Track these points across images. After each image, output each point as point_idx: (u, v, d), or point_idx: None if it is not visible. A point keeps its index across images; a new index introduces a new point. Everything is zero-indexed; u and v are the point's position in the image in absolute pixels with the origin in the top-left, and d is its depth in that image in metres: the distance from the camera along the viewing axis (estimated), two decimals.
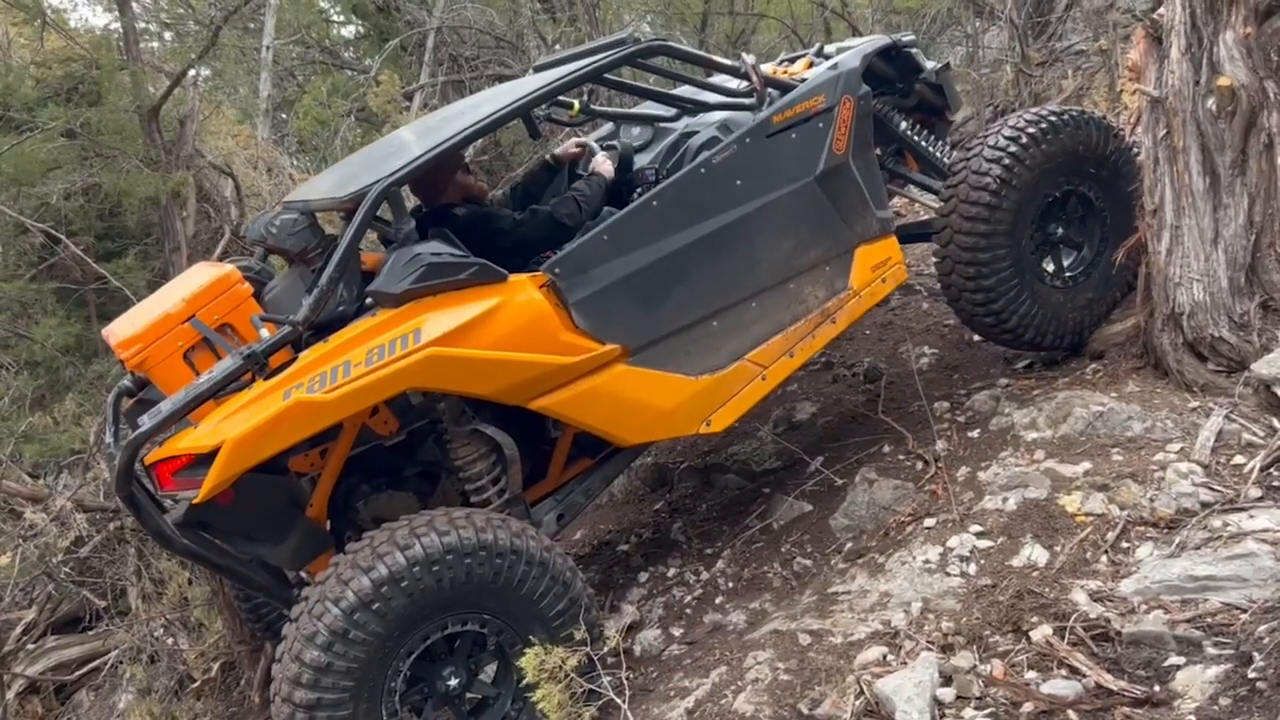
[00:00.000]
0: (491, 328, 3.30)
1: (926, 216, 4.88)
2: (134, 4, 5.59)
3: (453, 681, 3.13)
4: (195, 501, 3.00)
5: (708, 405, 3.79)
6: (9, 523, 4.95)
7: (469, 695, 3.20)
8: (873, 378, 5.17)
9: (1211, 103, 3.82)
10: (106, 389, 5.88)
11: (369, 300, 3.41)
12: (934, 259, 4.40)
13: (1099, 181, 4.34)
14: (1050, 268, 4.38)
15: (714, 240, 3.80)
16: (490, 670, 3.27)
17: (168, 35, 11.11)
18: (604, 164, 4.19)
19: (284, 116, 11.06)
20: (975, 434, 4.17)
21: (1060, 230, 4.37)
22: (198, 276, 3.43)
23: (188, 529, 3.26)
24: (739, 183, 3.87)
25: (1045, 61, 8.54)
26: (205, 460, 2.97)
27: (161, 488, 3.12)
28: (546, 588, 3.15)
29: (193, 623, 4.97)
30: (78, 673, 5.19)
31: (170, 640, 4.90)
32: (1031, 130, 4.14)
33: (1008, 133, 4.15)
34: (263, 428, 2.99)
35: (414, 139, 3.76)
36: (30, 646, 5.28)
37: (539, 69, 4.56)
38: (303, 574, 3.77)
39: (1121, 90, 6.33)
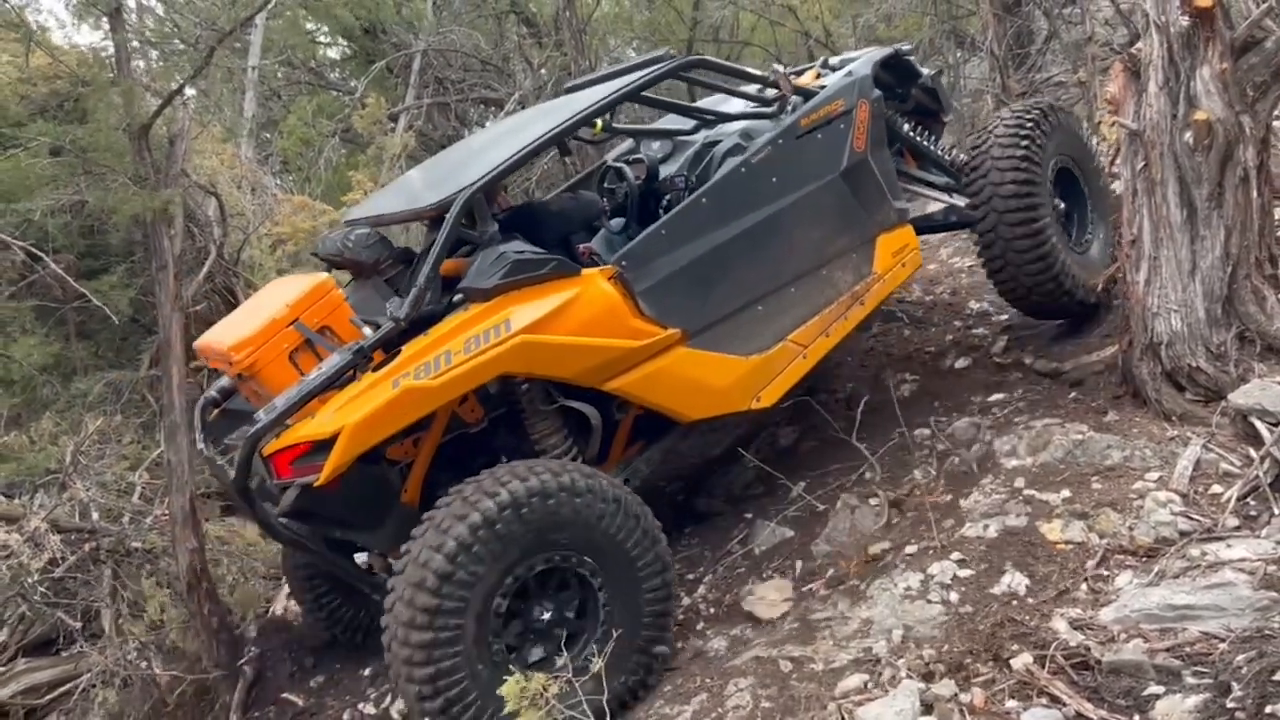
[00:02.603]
0: (571, 316, 3.60)
1: (930, 210, 5.24)
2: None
3: (546, 616, 3.35)
4: (318, 483, 3.23)
5: (758, 383, 4.09)
6: None
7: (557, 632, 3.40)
8: (855, 404, 5.18)
9: (1189, 136, 3.88)
10: (86, 409, 5.83)
11: (456, 299, 3.70)
12: (980, 247, 4.91)
13: (1077, 162, 5.01)
14: (1072, 234, 5.01)
15: (755, 232, 4.13)
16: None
17: (154, 54, 11.09)
18: None
19: (268, 136, 11.04)
20: (956, 461, 4.19)
21: (1062, 203, 4.96)
22: (294, 285, 3.70)
23: (292, 519, 3.58)
24: (774, 180, 4.24)
25: (1025, 92, 8.66)
26: (323, 447, 3.22)
27: (278, 476, 3.34)
28: (623, 523, 3.38)
29: (168, 646, 4.90)
30: (48, 696, 5.09)
31: (144, 664, 4.82)
32: (1031, 115, 4.83)
33: (1010, 121, 4.80)
34: (378, 413, 3.25)
35: (476, 154, 4.13)
36: (0, 669, 5.19)
37: (569, 90, 4.95)
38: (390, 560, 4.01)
39: (1100, 122, 6.43)
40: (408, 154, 8.54)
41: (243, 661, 4.77)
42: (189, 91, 7.93)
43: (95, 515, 5.12)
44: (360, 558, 3.99)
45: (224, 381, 3.85)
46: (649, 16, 12.04)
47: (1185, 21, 3.86)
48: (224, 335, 3.65)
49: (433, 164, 4.73)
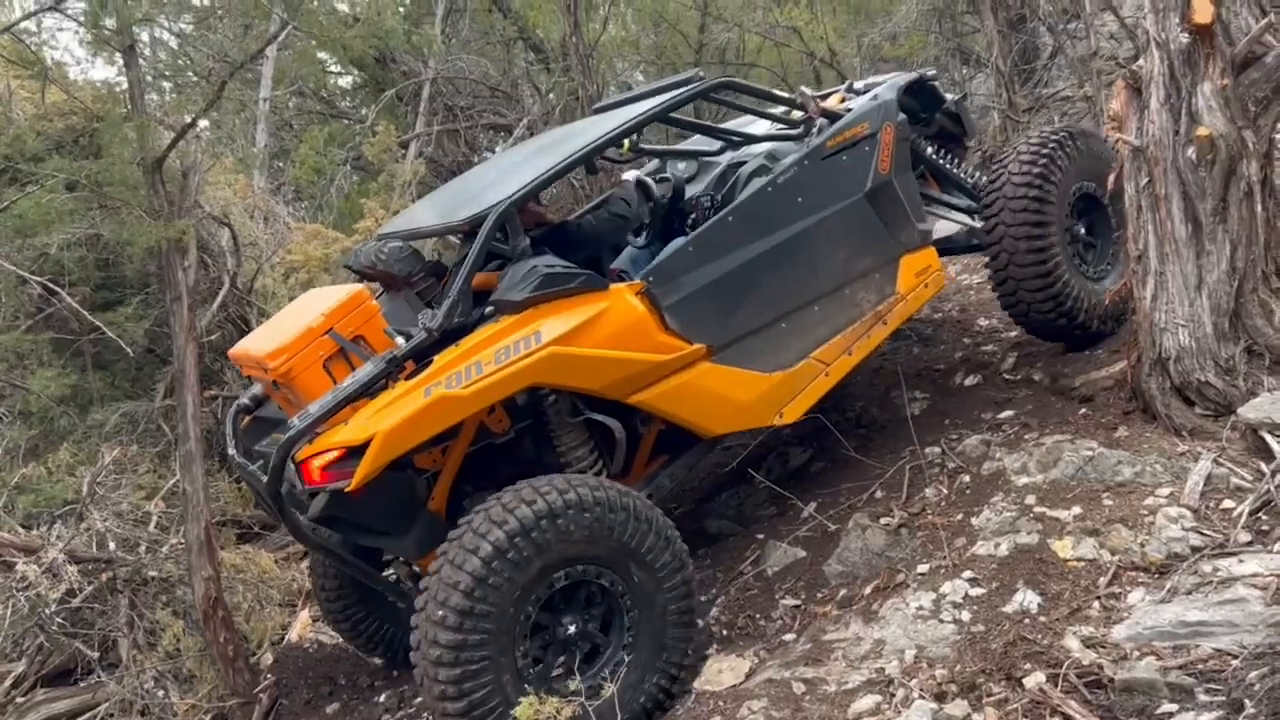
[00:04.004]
0: (599, 329, 3.70)
1: (950, 233, 5.28)
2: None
3: (571, 629, 3.42)
4: (349, 488, 3.29)
5: (780, 399, 4.18)
6: (0, 574, 4.92)
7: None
8: (865, 423, 5.19)
9: (1191, 152, 3.89)
10: (103, 439, 5.89)
11: (487, 311, 3.77)
12: (993, 279, 4.88)
13: (1100, 182, 4.89)
14: (1086, 261, 4.96)
15: (781, 250, 4.23)
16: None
17: (167, 87, 11.24)
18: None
19: (280, 165, 11.15)
20: (967, 479, 4.19)
21: (1082, 228, 4.94)
22: (330, 295, 3.77)
23: (321, 525, 3.66)
24: (800, 200, 4.33)
25: (1031, 108, 8.69)
26: (355, 453, 3.28)
27: (308, 482, 3.37)
28: (635, 529, 3.41)
29: (185, 674, 4.93)
30: None
31: (161, 692, 4.85)
32: (1053, 140, 4.81)
33: (1031, 144, 4.79)
34: (410, 420, 3.33)
35: (508, 172, 4.21)
36: (19, 700, 5.22)
37: (598, 110, 5.06)
38: (415, 569, 4.08)
39: (1105, 137, 6.44)
40: (418, 181, 8.62)
41: (259, 689, 4.79)
42: (202, 124, 8.04)
43: (112, 545, 5.17)
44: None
45: (255, 389, 3.96)
46: (655, 40, 12.13)
47: (1185, 38, 3.88)
48: (260, 343, 3.75)
49: (465, 181, 4.86)
